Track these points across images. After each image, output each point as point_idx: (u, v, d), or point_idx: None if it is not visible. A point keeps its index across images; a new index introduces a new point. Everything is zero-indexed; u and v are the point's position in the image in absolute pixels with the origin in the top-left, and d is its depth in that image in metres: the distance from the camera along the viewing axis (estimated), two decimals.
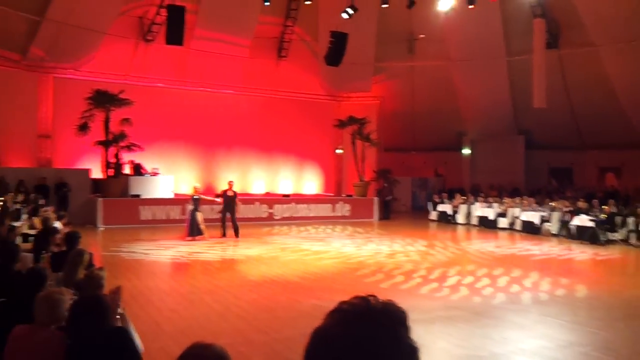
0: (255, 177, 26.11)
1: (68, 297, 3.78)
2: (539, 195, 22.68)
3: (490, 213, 20.98)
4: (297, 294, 9.37)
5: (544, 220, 19.16)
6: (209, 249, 14.29)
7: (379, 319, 1.10)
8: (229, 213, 16.18)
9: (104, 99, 18.90)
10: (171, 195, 19.73)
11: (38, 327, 3.58)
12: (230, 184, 16.77)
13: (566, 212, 18.58)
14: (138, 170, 20.62)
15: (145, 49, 23.09)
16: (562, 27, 23.40)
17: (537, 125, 25.28)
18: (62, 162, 21.41)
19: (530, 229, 19.14)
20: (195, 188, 16.17)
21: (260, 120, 25.63)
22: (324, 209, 22.84)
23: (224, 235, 16.07)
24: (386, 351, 1.07)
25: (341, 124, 24.73)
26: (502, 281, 10.68)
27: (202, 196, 16.00)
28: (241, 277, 10.75)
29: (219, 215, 16.50)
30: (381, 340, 1.07)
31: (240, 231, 16.21)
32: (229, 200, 16.18)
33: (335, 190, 27.52)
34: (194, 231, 15.53)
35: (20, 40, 20.25)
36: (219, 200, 16.45)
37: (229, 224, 16.19)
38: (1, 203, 12.97)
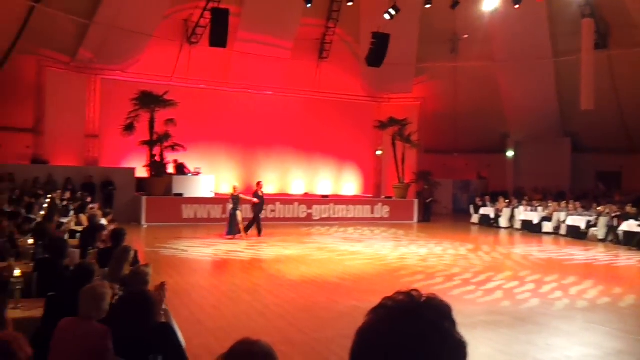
0: (295, 178, 26.23)
1: (110, 291, 3.87)
2: (586, 199, 22.02)
3: (534, 217, 20.51)
4: (336, 294, 9.35)
5: (590, 225, 18.61)
6: (248, 248, 14.42)
7: (423, 313, 1.09)
8: (256, 213, 16.51)
9: (149, 100, 19.31)
10: (211, 195, 20.00)
11: (82, 320, 3.67)
12: (260, 184, 16.98)
13: (614, 217, 18.01)
14: (181, 169, 21.00)
15: (189, 51, 23.51)
16: (612, 27, 22.69)
17: (585, 128, 24.57)
18: (108, 161, 22.00)
19: (575, 234, 18.62)
20: (234, 187, 16.44)
21: (300, 121, 25.75)
22: (363, 211, 22.75)
23: (259, 234, 16.37)
24: (433, 346, 1.06)
25: (381, 125, 24.60)
26: (546, 287, 10.42)
27: (241, 195, 16.21)
28: (280, 276, 10.81)
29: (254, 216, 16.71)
30: (428, 334, 1.06)
31: (279, 231, 16.36)
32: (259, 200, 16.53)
33: (374, 191, 27.39)
34: (233, 230, 15.75)
35: (69, 42, 20.91)
36: (255, 200, 16.62)
37: (265, 223, 16.49)
38: (49, 200, 13.40)
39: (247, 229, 16.29)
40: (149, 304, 3.61)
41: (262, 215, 17.26)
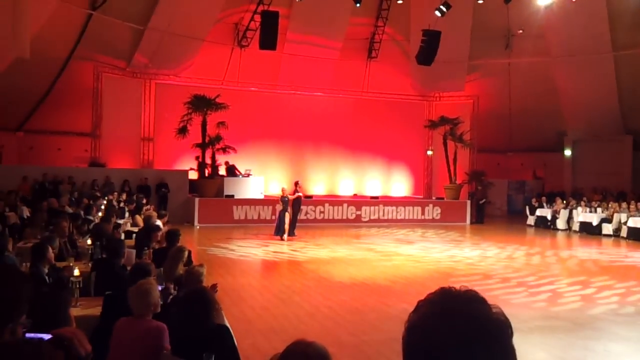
0: (344, 178, 26.20)
1: (156, 285, 3.94)
2: None
3: (593, 218, 19.76)
4: (386, 297, 9.27)
5: None
6: (296, 249, 14.49)
7: (457, 301, 1.14)
8: (293, 212, 16.52)
9: (201, 103, 19.71)
10: (261, 197, 20.23)
11: (137, 319, 3.76)
12: (297, 184, 17.18)
13: None
14: (232, 171, 21.35)
15: (240, 54, 23.84)
16: None
17: None
18: (162, 164, 22.58)
19: (637, 236, 17.83)
20: (283, 189, 16.57)
21: (350, 122, 25.71)
22: (413, 212, 22.47)
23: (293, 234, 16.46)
24: (473, 330, 1.08)
25: (432, 125, 24.27)
26: (605, 291, 10.01)
27: (289, 196, 16.28)
28: (329, 278, 10.79)
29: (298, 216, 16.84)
30: (465, 318, 1.10)
31: (328, 232, 16.36)
32: (296, 201, 16.61)
33: (424, 192, 27.04)
34: (281, 231, 15.88)
35: (125, 48, 21.60)
36: (300, 194, 16.76)
37: (313, 224, 16.60)
38: (107, 202, 13.85)
39: (290, 231, 16.33)
40: (208, 303, 3.68)
41: (310, 216, 17.24)
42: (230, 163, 21.34)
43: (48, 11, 17.61)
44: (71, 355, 1.72)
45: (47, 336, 1.81)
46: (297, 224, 16.81)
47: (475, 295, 1.16)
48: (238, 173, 21.44)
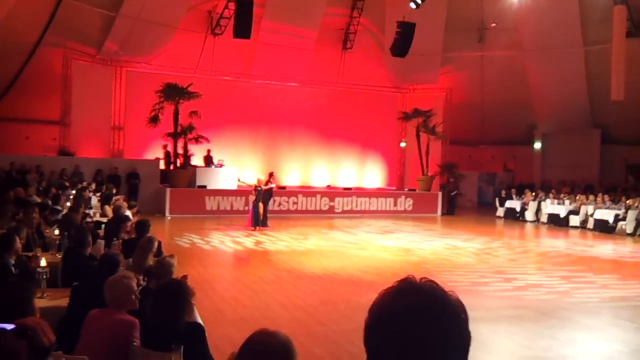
0: (318, 170, 26.21)
1: (133, 281, 3.90)
2: (615, 192, 21.57)
3: (561, 210, 20.16)
4: (357, 287, 9.34)
5: (618, 219, 18.24)
6: (270, 240, 14.48)
7: (418, 288, 1.20)
8: (264, 203, 16.47)
9: (173, 92, 19.45)
10: (242, 183, 19.94)
11: (110, 311, 3.72)
12: (272, 174, 17.31)
13: None
14: (210, 161, 21.23)
15: (213, 42, 23.57)
16: None
17: (615, 119, 23.99)
18: (133, 153, 22.25)
19: (603, 228, 18.27)
20: (258, 180, 16.49)
21: (324, 112, 25.67)
22: (386, 203, 22.62)
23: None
24: (430, 309, 1.15)
25: (406, 117, 24.39)
26: (572, 281, 10.25)
27: (262, 187, 16.21)
28: (302, 269, 10.82)
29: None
30: (424, 301, 1.16)
31: (301, 223, 16.35)
32: (267, 191, 16.59)
33: (398, 184, 27.22)
34: (257, 221, 15.83)
35: (95, 35, 21.15)
36: (273, 185, 16.76)
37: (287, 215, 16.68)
38: (76, 192, 13.60)
39: (263, 222, 16.29)
40: (183, 297, 3.64)
41: (284, 207, 17.21)
42: (208, 153, 21.26)
43: None
44: (34, 345, 1.70)
45: (10, 326, 1.79)
46: (269, 215, 16.77)
47: (434, 283, 1.20)
48: (211, 163, 21.31)
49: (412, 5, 21.10)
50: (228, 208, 19.76)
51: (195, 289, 8.00)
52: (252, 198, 16.38)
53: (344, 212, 21.58)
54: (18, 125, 20.53)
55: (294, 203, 20.94)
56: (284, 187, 22.02)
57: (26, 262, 5.64)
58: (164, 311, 3.57)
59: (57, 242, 7.22)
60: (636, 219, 17.73)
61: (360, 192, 23.20)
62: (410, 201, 22.97)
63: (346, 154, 26.49)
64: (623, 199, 19.58)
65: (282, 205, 20.55)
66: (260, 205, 15.91)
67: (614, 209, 18.64)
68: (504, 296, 8.93)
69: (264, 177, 17.30)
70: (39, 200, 12.00)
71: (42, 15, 19.11)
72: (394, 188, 26.19)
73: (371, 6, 24.68)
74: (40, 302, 4.88)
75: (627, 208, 18.37)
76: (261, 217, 16.00)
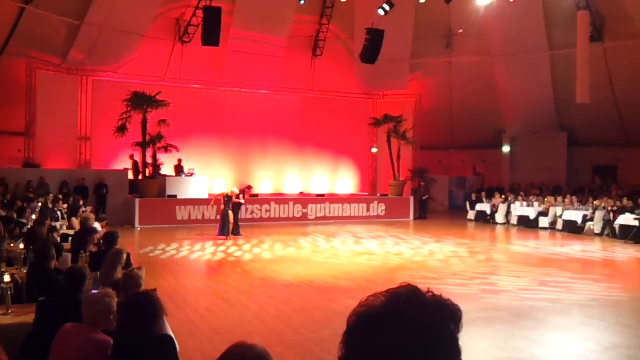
0: (290, 177, 26.13)
1: (114, 300, 3.79)
2: (582, 193, 22.02)
3: (530, 212, 20.47)
4: (332, 294, 9.29)
5: (586, 219, 18.59)
6: (242, 249, 14.33)
7: (398, 296, 1.12)
8: (234, 214, 16.30)
9: (141, 101, 19.17)
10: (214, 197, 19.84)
11: (85, 328, 3.62)
12: (249, 189, 17.00)
13: (610, 211, 17.99)
14: (181, 170, 20.98)
15: (181, 50, 23.35)
16: (607, 20, 22.63)
17: (581, 122, 24.54)
18: (101, 164, 21.85)
19: (572, 229, 18.60)
20: (232, 191, 16.33)
21: (295, 120, 25.65)
22: (359, 209, 22.66)
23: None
24: (414, 320, 1.07)
25: (376, 123, 24.51)
26: (543, 282, 10.38)
27: (234, 198, 16.06)
28: (276, 277, 10.72)
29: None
30: (406, 311, 1.08)
31: (274, 231, 16.29)
32: (239, 204, 16.44)
33: (370, 189, 27.33)
34: (225, 230, 15.67)
35: (60, 44, 20.75)
36: (242, 202, 16.59)
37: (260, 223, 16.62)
38: (41, 204, 13.27)
39: (235, 230, 16.13)
40: (154, 308, 3.55)
41: (257, 215, 17.10)
42: (177, 163, 21.00)
43: None
44: None
45: None
46: (240, 224, 16.61)
47: (440, 297, 1.15)
48: (181, 172, 21.07)
49: (381, 12, 21.27)
50: (200, 218, 19.52)
51: (167, 300, 7.86)
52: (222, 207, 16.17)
53: (317, 218, 21.53)
54: None
55: (267, 211, 20.82)
56: (256, 195, 21.88)
57: None
58: (132, 325, 3.46)
59: (23, 256, 7.00)
60: (604, 219, 18.09)
61: (333, 199, 23.20)
62: (382, 206, 23.05)
63: (318, 160, 26.50)
64: (590, 199, 19.99)
65: (255, 214, 20.40)
66: (231, 214, 15.74)
67: (582, 209, 18.99)
68: (476, 298, 8.98)
69: (238, 191, 17.09)
70: (3, 213, 11.67)
71: (4, 24, 18.69)
72: (366, 194, 26.28)
73: (340, 13, 24.79)
74: (5, 319, 4.75)
75: (595, 209, 18.74)
76: (231, 227, 15.81)
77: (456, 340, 1.09)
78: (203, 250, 14.06)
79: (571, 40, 21.72)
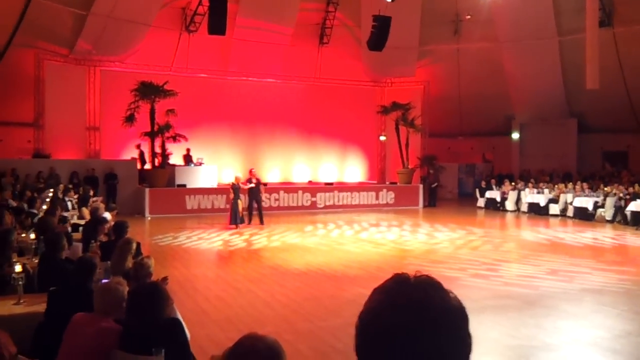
0: (298, 165, 26.12)
1: (125, 289, 3.82)
2: (593, 180, 21.87)
3: (541, 199, 20.35)
4: (342, 282, 9.29)
5: (597, 206, 18.46)
6: (252, 237, 14.36)
7: (413, 290, 1.11)
8: (255, 201, 16.56)
9: (149, 91, 19.15)
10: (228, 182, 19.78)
11: (97, 316, 3.65)
12: (251, 172, 17.04)
13: (621, 197, 17.86)
14: (189, 159, 21.04)
15: (188, 39, 23.29)
16: (616, 4, 22.34)
17: (591, 108, 24.30)
18: (110, 154, 21.93)
19: (583, 216, 18.48)
20: (236, 178, 16.39)
21: (303, 108, 25.58)
22: (368, 197, 22.62)
23: (249, 223, 16.40)
24: (428, 319, 1.07)
25: (384, 110, 24.39)
26: (554, 269, 10.32)
27: (242, 185, 16.18)
28: (286, 265, 10.74)
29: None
30: (422, 307, 1.08)
31: (283, 219, 16.34)
32: (252, 189, 16.51)
33: (379, 177, 27.27)
34: (236, 219, 15.72)
35: (67, 34, 20.75)
36: (252, 185, 16.68)
37: (255, 212, 16.66)
38: (52, 194, 13.33)
39: (261, 220, 16.36)
40: (159, 297, 3.56)
41: (266, 203, 17.20)
42: (190, 152, 21.10)
43: None
44: None
45: None
46: (254, 212, 16.72)
47: (430, 281, 1.13)
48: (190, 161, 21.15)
49: None
50: (209, 207, 19.56)
51: (177, 289, 7.93)
52: (231, 196, 16.21)
53: (326, 207, 21.52)
54: None
55: (276, 199, 20.83)
56: (265, 184, 21.86)
57: (1, 268, 5.48)
58: (140, 314, 3.47)
59: (33, 246, 7.04)
60: (615, 206, 17.96)
61: (342, 187, 23.16)
62: (391, 194, 22.99)
63: (327, 149, 26.45)
64: (601, 186, 19.84)
65: (264, 202, 20.34)
66: (240, 202, 15.82)
67: (593, 196, 18.85)
68: (487, 286, 8.95)
69: (242, 175, 17.18)
70: (14, 204, 11.74)
71: (11, 15, 18.66)
72: (375, 182, 26.21)
73: (346, 0, 24.60)
74: (17, 309, 4.78)
75: (606, 195, 18.60)
76: (240, 214, 15.90)
77: (450, 304, 1.10)
78: (213, 239, 14.10)
79: (580, 25, 21.41)
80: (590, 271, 10.21)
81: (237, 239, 14.19)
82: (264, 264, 10.93)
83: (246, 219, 16.38)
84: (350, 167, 27.29)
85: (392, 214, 20.55)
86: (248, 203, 16.68)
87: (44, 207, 11.12)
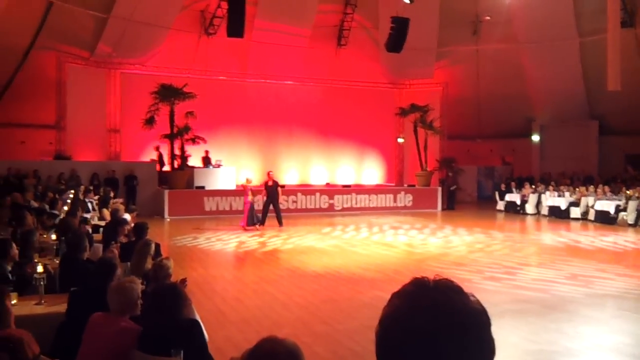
0: (316, 167, 26.13)
1: (139, 286, 3.85)
2: (614, 183, 21.54)
3: (561, 202, 20.10)
4: (359, 285, 9.26)
5: (619, 209, 18.16)
6: (270, 239, 14.39)
7: (435, 294, 1.10)
8: (272, 203, 16.62)
9: (168, 93, 19.33)
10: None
11: (113, 316, 3.67)
12: (269, 174, 17.09)
13: None
14: (208, 161, 21.18)
15: (207, 42, 23.47)
16: (638, 4, 22.02)
17: (612, 110, 23.96)
18: (130, 155, 22.15)
19: (604, 219, 18.20)
20: (247, 179, 16.53)
21: (321, 110, 25.59)
22: (386, 200, 22.54)
23: (262, 224, 16.39)
24: (450, 322, 1.06)
25: (402, 112, 24.30)
26: (575, 274, 10.17)
27: (252, 188, 16.37)
28: (303, 267, 10.73)
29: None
30: (443, 312, 1.07)
31: (301, 221, 16.35)
32: (270, 191, 16.60)
33: (397, 180, 27.16)
34: (252, 220, 15.81)
35: (88, 37, 21.03)
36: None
37: (271, 214, 16.70)
38: (73, 196, 13.51)
39: (280, 221, 16.47)
40: (178, 298, 3.58)
41: (283, 205, 17.24)
42: (205, 154, 21.23)
43: (5, 0, 17.01)
44: (17, 358, 1.62)
45: None
46: (268, 214, 16.77)
47: (450, 284, 1.12)
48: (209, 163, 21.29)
49: (406, 0, 21.01)
50: (227, 208, 19.66)
51: (196, 290, 7.97)
52: (251, 198, 16.29)
53: (343, 209, 21.50)
54: (14, 130, 20.39)
55: (293, 202, 20.86)
56: (283, 186, 21.93)
57: (23, 269, 5.55)
58: (159, 314, 3.50)
59: (55, 247, 7.13)
60: (637, 209, 17.67)
61: (360, 189, 23.11)
62: (409, 197, 22.88)
63: (344, 151, 26.43)
64: (623, 189, 19.54)
65: (282, 204, 20.39)
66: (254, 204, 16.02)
67: (615, 199, 18.57)
68: (507, 290, 8.85)
69: (254, 176, 17.37)
70: (36, 205, 11.92)
71: (33, 19, 18.99)
72: (393, 184, 26.12)
73: (364, 2, 24.61)
74: (38, 309, 4.83)
75: (628, 198, 18.30)
76: (256, 215, 16.05)
77: (470, 308, 1.09)
78: (231, 241, 14.16)
79: (601, 26, 21.13)
80: (612, 276, 10.04)
81: (255, 240, 14.23)
82: (281, 266, 10.95)
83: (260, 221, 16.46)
84: (368, 170, 27.24)
85: (410, 216, 20.44)
86: (264, 204, 16.73)
87: (65, 208, 11.28)
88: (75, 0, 19.30)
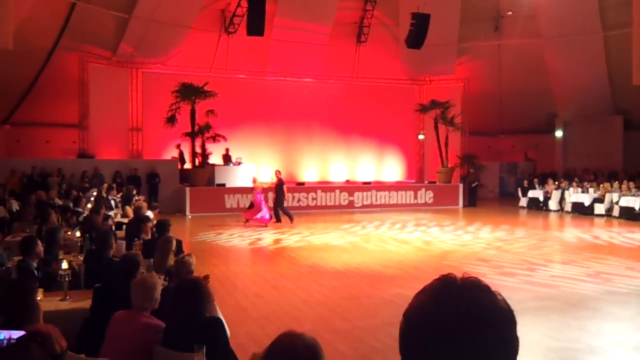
0: (336, 164, 26.12)
1: (160, 281, 3.91)
2: None
3: (585, 199, 19.81)
4: (379, 282, 9.24)
5: None
6: (289, 237, 14.43)
7: (462, 292, 1.10)
8: (275, 200, 16.86)
9: (189, 92, 19.50)
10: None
11: (136, 313, 3.72)
12: (276, 173, 17.16)
13: None
14: (228, 159, 21.33)
15: (227, 41, 23.60)
16: None
17: (637, 104, 23.53)
18: (152, 154, 22.41)
19: (629, 216, 17.90)
20: (254, 179, 16.71)
21: (341, 107, 25.58)
22: (406, 196, 22.44)
23: (277, 221, 16.60)
24: (476, 320, 1.06)
25: (423, 109, 24.17)
26: (598, 271, 10.02)
27: (262, 186, 16.58)
28: (323, 264, 10.75)
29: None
30: (469, 310, 1.06)
31: (320, 218, 16.39)
32: (275, 189, 16.77)
33: (417, 177, 27.03)
34: (275, 215, 16.13)
35: (110, 37, 21.32)
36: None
37: (306, 210, 16.99)
38: (96, 194, 13.71)
39: (290, 218, 16.56)
40: (200, 294, 3.62)
41: (304, 203, 17.23)
42: (226, 152, 21.39)
43: (30, 1, 17.31)
44: (46, 352, 1.66)
45: (18, 333, 1.75)
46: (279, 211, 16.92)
47: (477, 282, 1.12)
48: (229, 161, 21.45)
49: None
50: (247, 205, 19.72)
51: (217, 287, 8.01)
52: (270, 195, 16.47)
53: (363, 206, 21.46)
54: (38, 129, 20.79)
55: (313, 199, 20.89)
56: (302, 183, 22.01)
57: (48, 265, 5.65)
58: (182, 310, 3.54)
59: (79, 244, 7.25)
60: None
61: (380, 186, 23.05)
62: (430, 194, 22.76)
63: (364, 148, 26.37)
64: None
65: (302, 202, 20.52)
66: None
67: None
68: (529, 287, 8.76)
69: (256, 177, 17.54)
70: (60, 202, 12.12)
71: (56, 19, 19.30)
72: (413, 181, 26.01)
73: None
74: (63, 305, 4.92)
75: None
76: (271, 211, 16.34)
77: (497, 307, 1.09)
78: (252, 238, 14.24)
79: (626, 19, 20.76)
80: (637, 274, 9.88)
81: (275, 237, 14.28)
82: (302, 263, 10.97)
83: (274, 218, 16.63)
84: (388, 166, 27.14)
85: (430, 213, 20.33)
86: (274, 202, 16.88)
87: (89, 205, 11.45)
88: (97, 0, 19.56)
